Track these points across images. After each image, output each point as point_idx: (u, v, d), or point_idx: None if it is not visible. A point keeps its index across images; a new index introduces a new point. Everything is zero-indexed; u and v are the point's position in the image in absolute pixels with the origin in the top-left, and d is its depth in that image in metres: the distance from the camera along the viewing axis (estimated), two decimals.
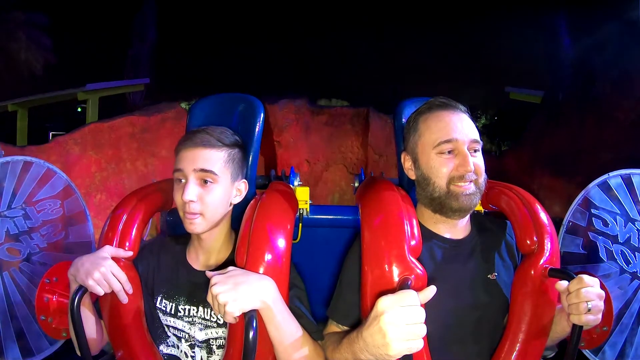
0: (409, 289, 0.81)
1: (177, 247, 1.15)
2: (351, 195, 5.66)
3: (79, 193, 1.77)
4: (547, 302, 0.99)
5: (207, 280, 0.89)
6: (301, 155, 5.81)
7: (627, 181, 1.59)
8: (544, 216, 1.05)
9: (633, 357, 1.50)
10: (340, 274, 1.09)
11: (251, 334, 0.82)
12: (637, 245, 1.56)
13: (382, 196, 1.05)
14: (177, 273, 1.10)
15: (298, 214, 1.39)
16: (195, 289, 1.06)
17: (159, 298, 1.09)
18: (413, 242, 0.96)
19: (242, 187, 1.10)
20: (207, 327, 1.05)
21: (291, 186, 1.42)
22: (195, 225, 1.02)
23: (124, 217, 1.09)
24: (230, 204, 1.08)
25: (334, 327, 1.06)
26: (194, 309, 1.06)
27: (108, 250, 1.02)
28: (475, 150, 1.03)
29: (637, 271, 1.55)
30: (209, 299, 0.87)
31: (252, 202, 1.07)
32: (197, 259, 1.10)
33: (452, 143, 1.01)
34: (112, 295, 1.01)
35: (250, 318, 0.84)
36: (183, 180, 1.03)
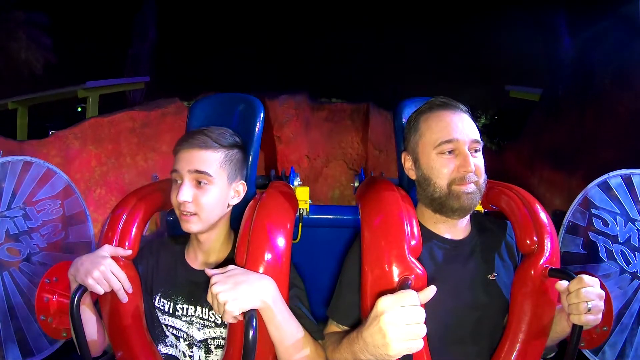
0: (409, 289, 0.81)
1: (177, 247, 1.15)
2: (350, 192, 5.68)
3: (79, 193, 1.77)
4: (547, 302, 0.99)
5: (206, 280, 0.89)
6: (301, 151, 5.80)
7: (627, 181, 1.59)
8: (544, 216, 1.05)
9: (633, 357, 1.50)
10: (340, 274, 1.09)
11: (251, 333, 0.82)
12: (637, 245, 1.56)
13: (382, 196, 1.05)
14: (175, 272, 1.10)
15: (298, 214, 1.39)
16: (194, 289, 1.06)
17: (158, 297, 1.09)
18: (413, 242, 0.96)
19: (240, 189, 1.10)
20: (205, 326, 1.05)
21: (291, 186, 1.42)
22: (190, 224, 1.02)
23: (124, 217, 1.09)
24: (228, 205, 1.08)
25: (334, 327, 1.06)
26: (192, 309, 1.06)
27: (107, 250, 1.02)
28: (475, 151, 1.02)
29: (637, 271, 1.55)
30: (209, 297, 0.87)
31: (252, 202, 1.07)
32: (196, 259, 1.10)
33: (453, 143, 1.00)
34: (112, 294, 1.01)
35: (250, 317, 0.84)
36: (179, 181, 1.03)
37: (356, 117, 5.97)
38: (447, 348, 1.00)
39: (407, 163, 1.10)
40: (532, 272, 1.00)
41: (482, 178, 1.02)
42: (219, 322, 1.05)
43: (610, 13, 4.52)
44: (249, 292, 0.86)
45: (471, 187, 1.00)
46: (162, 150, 5.32)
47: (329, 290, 1.11)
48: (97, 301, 1.09)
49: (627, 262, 1.56)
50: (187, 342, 1.06)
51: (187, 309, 1.07)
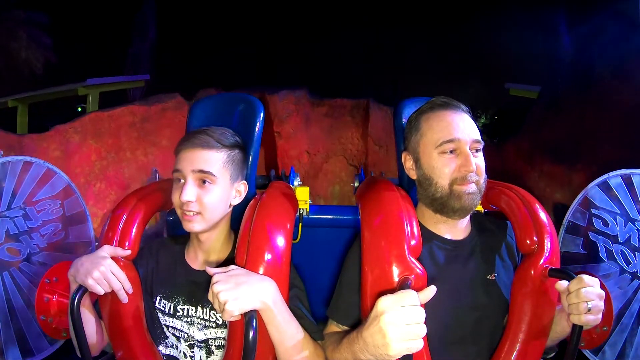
0: (409, 288, 0.81)
1: (177, 247, 1.15)
2: (350, 188, 5.67)
3: (79, 193, 1.77)
4: (547, 302, 0.99)
5: (207, 280, 0.89)
6: (301, 147, 5.79)
7: (627, 181, 1.59)
8: (543, 216, 1.05)
9: (633, 357, 1.50)
10: (340, 274, 1.09)
11: (251, 334, 0.82)
12: (637, 245, 1.56)
13: (382, 196, 1.05)
14: (175, 273, 1.10)
15: (298, 214, 1.39)
16: (194, 289, 1.06)
17: (158, 298, 1.09)
18: (413, 242, 0.96)
19: (241, 189, 1.10)
20: (206, 327, 1.05)
21: (291, 186, 1.42)
22: (193, 224, 1.02)
23: (124, 217, 1.09)
24: (230, 205, 1.08)
25: (334, 327, 1.06)
26: (192, 309, 1.06)
27: (107, 250, 1.02)
28: (476, 150, 1.02)
29: (637, 271, 1.55)
30: (210, 296, 0.87)
31: (252, 202, 1.07)
32: (196, 259, 1.10)
33: (455, 143, 1.00)
34: (112, 295, 1.01)
35: (250, 318, 0.84)
36: (182, 181, 1.03)
37: (356, 113, 5.96)
38: (447, 348, 1.00)
39: (408, 163, 1.10)
40: (532, 272, 1.00)
41: (483, 178, 1.02)
42: (220, 322, 1.05)
43: (608, 8, 4.54)
44: (250, 292, 0.86)
45: (472, 187, 1.00)
46: (162, 144, 5.33)
47: (329, 290, 1.11)
48: (97, 302, 1.09)
49: (627, 262, 1.56)
50: (188, 343, 1.06)
51: (188, 310, 1.07)
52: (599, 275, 1.50)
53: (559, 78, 5.00)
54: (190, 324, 1.06)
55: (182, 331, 1.06)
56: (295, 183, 1.51)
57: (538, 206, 1.08)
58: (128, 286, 1.03)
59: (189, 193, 1.00)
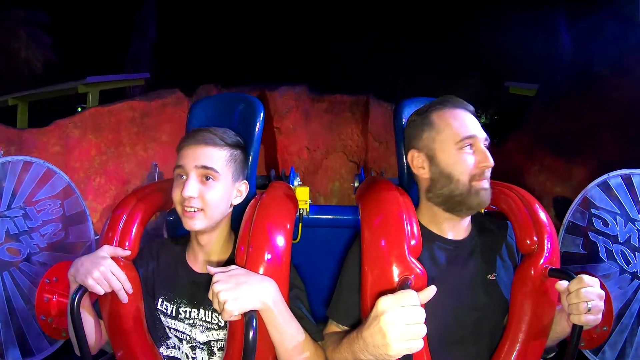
0: (409, 288, 0.81)
1: (177, 248, 1.15)
2: (350, 184, 5.65)
3: (79, 193, 1.77)
4: (547, 302, 0.99)
5: (208, 282, 0.89)
6: (301, 142, 5.78)
7: (627, 181, 1.59)
8: (543, 216, 1.05)
9: (633, 357, 1.50)
10: (340, 274, 1.09)
11: (251, 334, 0.82)
12: (637, 245, 1.56)
13: (382, 196, 1.05)
14: (177, 275, 1.10)
15: (298, 214, 1.39)
16: (196, 291, 1.06)
17: (160, 300, 1.09)
18: (413, 242, 0.96)
19: (242, 188, 1.10)
20: (208, 329, 1.05)
21: (291, 186, 1.42)
22: (194, 221, 1.01)
23: (124, 217, 1.09)
24: (231, 204, 1.08)
25: (334, 327, 1.06)
26: (194, 312, 1.06)
27: (107, 250, 1.02)
28: (486, 148, 1.04)
29: (637, 271, 1.55)
30: (210, 295, 0.87)
31: (252, 202, 1.07)
32: (197, 261, 1.10)
33: (473, 139, 1.01)
34: (112, 295, 1.01)
35: (250, 318, 0.84)
36: (184, 177, 1.02)
37: (356, 109, 5.95)
38: (447, 348, 1.00)
39: (417, 161, 1.08)
40: (532, 272, 1.00)
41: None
42: (222, 324, 1.04)
43: (607, 7, 4.56)
44: (250, 293, 0.86)
45: (487, 183, 1.02)
46: (161, 140, 5.32)
47: (329, 290, 1.11)
48: (97, 301, 1.09)
49: (627, 262, 1.56)
50: (190, 345, 1.06)
51: (190, 312, 1.06)
52: (599, 275, 1.50)
53: (558, 75, 5.01)
54: (192, 326, 1.06)
55: (185, 333, 1.06)
56: (295, 183, 1.51)
57: (538, 206, 1.08)
58: (128, 286, 1.03)
59: (191, 188, 0.99)
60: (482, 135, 1.02)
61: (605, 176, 1.63)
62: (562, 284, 0.91)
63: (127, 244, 1.06)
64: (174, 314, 1.07)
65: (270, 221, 0.99)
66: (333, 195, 5.88)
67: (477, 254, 1.07)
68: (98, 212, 4.83)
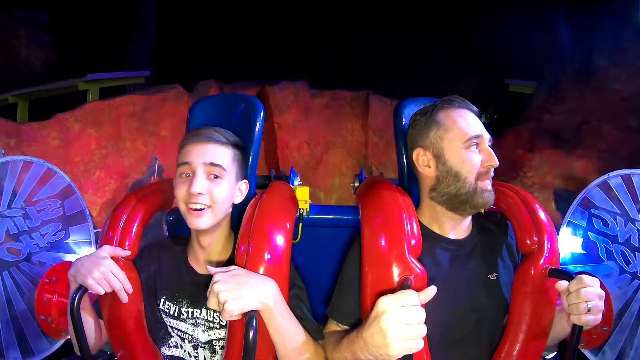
0: (409, 289, 0.81)
1: (178, 249, 1.15)
2: (350, 179, 5.65)
3: (79, 192, 1.77)
4: (547, 302, 0.99)
5: (209, 282, 0.89)
6: (301, 137, 5.78)
7: (627, 181, 1.59)
8: (543, 216, 1.06)
9: (633, 357, 1.50)
10: (340, 273, 1.09)
11: (251, 334, 0.82)
12: (637, 245, 1.56)
13: (382, 196, 1.05)
14: (179, 275, 1.10)
15: (298, 213, 1.39)
16: (198, 291, 1.06)
17: (162, 300, 1.09)
18: (413, 242, 0.96)
19: (243, 188, 1.11)
20: (210, 328, 1.06)
21: (291, 186, 1.42)
22: (201, 219, 1.01)
23: (124, 217, 1.09)
24: (233, 203, 1.08)
25: (333, 326, 1.06)
26: (197, 311, 1.07)
27: (107, 250, 1.02)
28: (491, 148, 1.05)
29: (637, 271, 1.55)
30: (209, 294, 0.87)
31: (252, 201, 1.07)
32: (199, 261, 1.10)
33: (479, 139, 1.03)
34: (112, 295, 1.01)
35: (250, 318, 0.84)
36: (189, 175, 1.02)
37: (356, 105, 5.94)
38: (448, 348, 1.00)
39: (423, 159, 1.08)
40: (532, 272, 1.00)
41: None
42: (224, 323, 1.04)
43: (605, 2, 4.58)
44: (250, 293, 0.86)
45: (490, 184, 1.04)
46: (162, 134, 5.33)
47: (329, 290, 1.11)
48: (97, 301, 1.09)
49: (627, 262, 1.56)
50: (192, 344, 1.06)
51: (193, 312, 1.07)
52: (599, 275, 1.50)
53: (558, 67, 5.02)
54: (194, 326, 1.06)
55: (187, 333, 1.07)
56: (295, 183, 1.51)
57: (538, 206, 1.08)
58: (128, 286, 1.03)
59: (199, 185, 0.99)
60: (487, 135, 1.04)
61: (605, 176, 1.63)
62: (562, 284, 0.91)
63: (127, 243, 1.06)
64: (176, 314, 1.07)
65: (270, 221, 1.00)
66: (333, 191, 5.86)
67: (478, 253, 1.07)
68: (97, 206, 4.84)
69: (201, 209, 1.01)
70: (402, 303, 0.76)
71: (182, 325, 1.07)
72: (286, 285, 0.97)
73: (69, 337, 1.04)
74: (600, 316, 0.89)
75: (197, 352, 1.06)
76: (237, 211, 1.10)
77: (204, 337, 1.05)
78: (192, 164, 1.01)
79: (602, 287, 0.93)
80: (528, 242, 1.03)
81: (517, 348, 0.98)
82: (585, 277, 0.89)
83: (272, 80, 5.77)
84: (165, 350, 1.08)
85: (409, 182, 1.22)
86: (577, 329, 0.90)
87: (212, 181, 1.02)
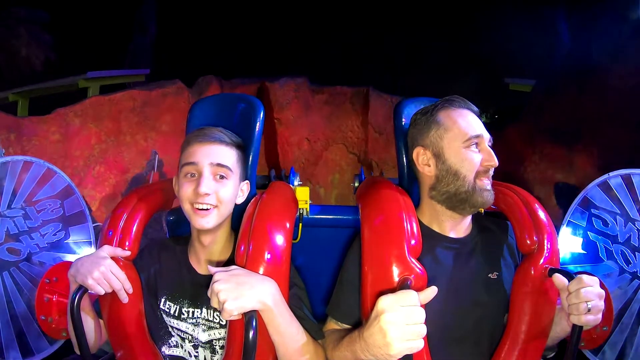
0: (409, 288, 0.81)
1: (178, 249, 1.15)
2: (350, 176, 5.64)
3: (79, 193, 1.77)
4: (547, 302, 0.99)
5: (210, 282, 0.89)
6: (301, 134, 5.75)
7: (627, 181, 1.59)
8: (543, 216, 1.06)
9: (633, 357, 1.50)
10: (340, 272, 1.10)
11: (251, 334, 0.82)
12: (637, 245, 1.56)
13: (382, 196, 1.05)
14: (180, 275, 1.10)
15: (298, 213, 1.39)
16: (199, 291, 1.06)
17: (163, 300, 1.09)
18: (413, 242, 0.96)
19: (245, 188, 1.11)
20: (210, 328, 1.06)
21: (291, 186, 1.42)
22: (207, 218, 1.01)
23: (124, 217, 1.09)
24: (235, 203, 1.09)
25: (333, 325, 1.06)
26: (197, 311, 1.07)
27: (107, 250, 1.02)
28: (491, 148, 1.05)
29: (637, 271, 1.55)
30: (210, 294, 0.87)
31: (252, 202, 1.07)
32: (199, 261, 1.10)
33: (479, 139, 1.03)
34: (112, 295, 1.01)
35: (250, 318, 0.84)
36: (194, 175, 1.02)
37: (356, 101, 5.92)
38: (448, 347, 1.00)
39: (423, 158, 1.08)
40: (532, 272, 1.00)
41: None
42: (224, 323, 1.05)
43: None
44: (250, 293, 0.86)
45: (490, 184, 1.04)
46: (162, 129, 5.32)
47: (329, 290, 1.11)
48: (96, 302, 1.09)
49: (627, 262, 1.56)
50: (193, 344, 1.06)
51: (193, 312, 1.07)
52: (599, 275, 1.50)
53: (558, 63, 5.03)
54: (195, 325, 1.06)
55: (187, 332, 1.07)
56: (295, 183, 1.51)
57: (538, 206, 1.08)
58: (128, 286, 1.03)
59: (207, 185, 1.00)
60: (487, 135, 1.05)
61: (605, 176, 1.63)
62: (562, 283, 0.91)
63: (127, 243, 1.06)
64: (176, 314, 1.07)
65: (270, 221, 1.00)
66: (333, 187, 5.85)
67: (478, 252, 1.07)
68: (97, 201, 4.84)
69: (207, 209, 1.01)
70: (402, 303, 0.76)
71: (183, 325, 1.07)
72: (286, 285, 0.97)
73: (69, 337, 1.04)
74: (600, 316, 0.89)
75: (197, 352, 1.06)
76: (238, 211, 1.10)
77: (204, 336, 1.05)
78: (198, 164, 1.01)
79: (602, 286, 0.93)
80: (528, 242, 1.03)
81: (517, 348, 0.98)
82: (585, 277, 0.89)
83: (272, 77, 5.77)
84: (165, 350, 1.08)
85: (409, 182, 1.22)
86: (577, 329, 0.90)
87: (218, 182, 1.02)
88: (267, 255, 0.94)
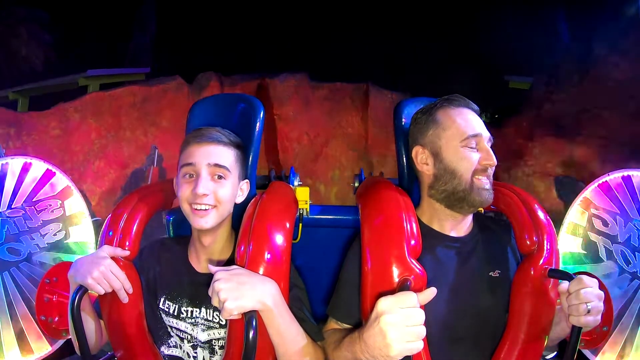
0: (408, 289, 0.81)
1: (178, 248, 1.15)
2: (350, 172, 5.63)
3: (79, 193, 1.77)
4: (547, 303, 0.99)
5: (210, 282, 0.89)
6: (301, 129, 5.75)
7: (627, 181, 1.59)
8: (543, 216, 1.06)
9: (633, 357, 1.50)
10: (340, 272, 1.09)
11: (251, 334, 0.82)
12: (637, 245, 1.56)
13: (382, 196, 1.05)
14: (179, 275, 1.10)
15: (298, 214, 1.39)
16: (198, 291, 1.06)
17: (162, 299, 1.09)
18: (413, 242, 0.96)
19: (244, 187, 1.11)
20: (209, 327, 1.06)
21: (291, 186, 1.42)
22: (206, 218, 1.01)
23: (125, 217, 1.09)
24: (235, 203, 1.09)
25: (333, 324, 1.06)
26: (196, 311, 1.07)
27: (107, 250, 1.02)
28: (490, 148, 1.05)
29: (637, 271, 1.55)
30: (210, 292, 0.87)
31: (252, 202, 1.07)
32: (199, 260, 1.10)
33: (477, 138, 1.03)
34: (112, 295, 1.01)
35: (250, 318, 0.84)
36: (192, 175, 1.02)
37: (356, 97, 5.92)
38: (448, 347, 1.00)
39: (422, 157, 1.09)
40: (532, 273, 1.00)
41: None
42: (223, 323, 1.05)
43: None
44: (250, 293, 0.86)
45: (489, 183, 1.03)
46: (162, 125, 5.34)
47: (329, 290, 1.11)
48: (96, 302, 1.09)
49: (627, 262, 1.56)
50: (192, 344, 1.06)
51: (192, 312, 1.07)
52: (599, 276, 1.50)
53: (557, 56, 5.03)
54: (194, 325, 1.06)
55: (186, 332, 1.07)
56: (295, 183, 1.51)
57: (537, 206, 1.08)
58: (128, 286, 1.03)
59: (204, 186, 1.00)
60: (486, 134, 1.04)
61: (605, 176, 1.63)
62: (562, 286, 0.91)
63: (127, 243, 1.06)
64: (175, 313, 1.07)
65: (270, 221, 1.00)
66: (333, 184, 5.83)
67: (479, 251, 1.07)
68: (97, 195, 4.85)
69: (206, 209, 1.01)
70: (402, 304, 0.76)
71: (182, 325, 1.07)
72: (286, 285, 0.97)
73: (69, 337, 1.04)
74: (599, 317, 0.89)
75: (196, 352, 1.06)
76: (238, 211, 1.10)
77: (203, 336, 1.05)
78: (196, 165, 1.02)
79: (602, 287, 0.93)
80: (527, 242, 1.03)
81: (517, 348, 0.98)
82: (584, 277, 0.89)
83: (272, 73, 5.76)
84: (164, 350, 1.08)
85: (409, 182, 1.22)
86: (576, 330, 0.90)
87: (217, 182, 1.02)
88: (267, 256, 0.94)
